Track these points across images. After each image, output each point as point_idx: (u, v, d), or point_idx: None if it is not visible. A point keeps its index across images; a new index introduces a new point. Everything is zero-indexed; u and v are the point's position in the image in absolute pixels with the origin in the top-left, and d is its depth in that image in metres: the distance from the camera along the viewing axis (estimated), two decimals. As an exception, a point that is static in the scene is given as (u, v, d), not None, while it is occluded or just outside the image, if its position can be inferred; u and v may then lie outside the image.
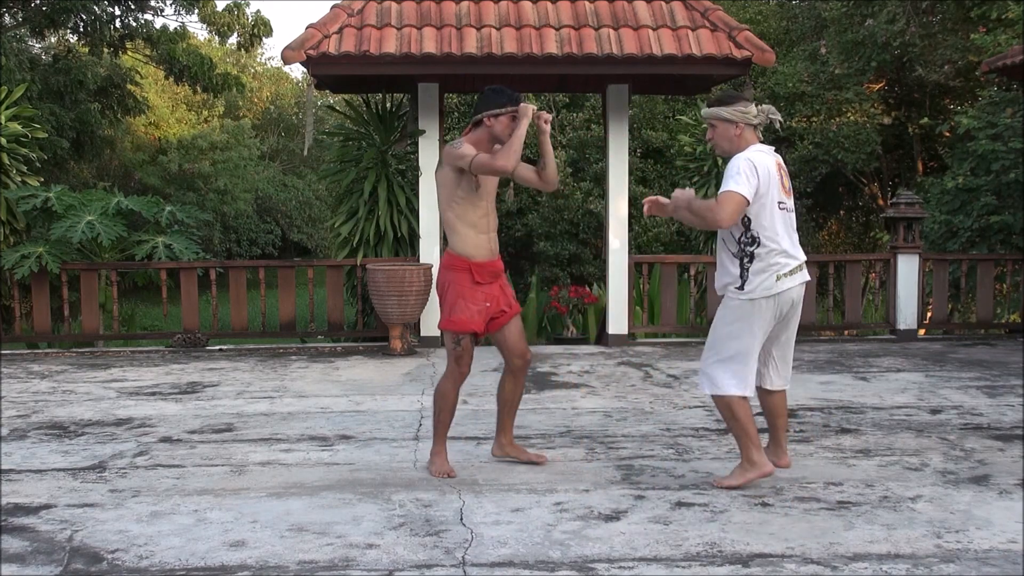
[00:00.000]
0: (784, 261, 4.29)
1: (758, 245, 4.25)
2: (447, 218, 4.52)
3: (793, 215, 4.40)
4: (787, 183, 4.37)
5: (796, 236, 4.40)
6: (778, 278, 4.28)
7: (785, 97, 15.03)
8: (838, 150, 14.38)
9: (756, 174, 4.19)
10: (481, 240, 4.50)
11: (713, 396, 4.38)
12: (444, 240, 8.37)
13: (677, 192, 4.44)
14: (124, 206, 8.97)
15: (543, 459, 4.80)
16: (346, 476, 4.60)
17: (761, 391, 4.61)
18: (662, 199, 4.49)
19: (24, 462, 4.90)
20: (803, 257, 4.40)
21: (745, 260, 4.28)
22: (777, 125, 4.53)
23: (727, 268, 4.37)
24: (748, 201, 4.17)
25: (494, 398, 6.38)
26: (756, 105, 4.38)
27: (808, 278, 4.43)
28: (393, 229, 8.80)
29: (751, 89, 8.29)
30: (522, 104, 4.46)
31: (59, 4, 14.56)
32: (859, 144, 14.34)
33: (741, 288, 4.29)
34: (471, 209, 4.48)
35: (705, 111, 4.44)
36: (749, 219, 4.24)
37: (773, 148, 4.44)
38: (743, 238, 4.27)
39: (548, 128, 4.52)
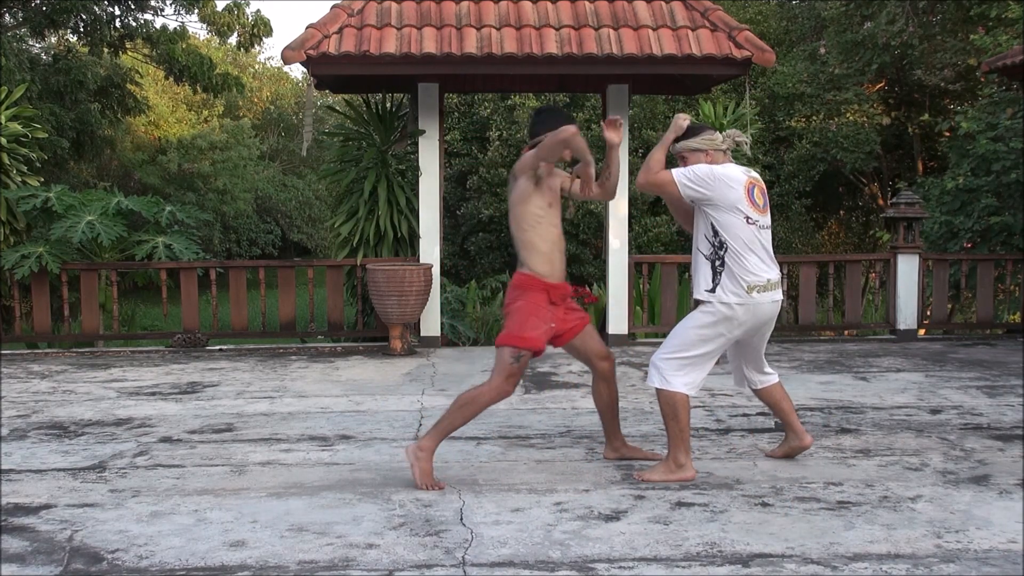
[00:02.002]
0: (755, 272, 4.38)
1: (727, 251, 4.38)
2: (527, 239, 4.43)
3: (766, 232, 4.47)
4: (760, 201, 4.46)
5: (769, 253, 4.48)
6: (749, 288, 4.37)
7: (785, 97, 15.04)
8: (837, 149, 14.38)
9: (714, 183, 4.35)
10: (555, 260, 4.49)
11: (659, 390, 4.45)
12: (444, 240, 8.40)
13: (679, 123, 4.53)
14: (124, 206, 8.97)
15: (657, 456, 4.80)
16: (346, 476, 4.60)
17: (754, 391, 4.79)
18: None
19: (24, 462, 4.91)
20: (776, 275, 4.49)
21: (717, 264, 4.40)
22: (745, 148, 4.67)
23: (701, 271, 4.47)
24: (676, 190, 4.39)
25: (494, 398, 6.42)
26: (721, 132, 4.58)
27: (782, 297, 4.53)
28: (393, 229, 8.80)
29: (751, 89, 8.27)
30: (609, 124, 4.46)
31: (59, 4, 14.55)
32: (858, 144, 14.35)
33: (712, 291, 4.40)
34: (549, 229, 4.46)
35: (674, 148, 4.59)
36: (716, 227, 4.38)
37: (749, 168, 4.59)
38: (714, 242, 4.41)
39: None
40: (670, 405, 4.42)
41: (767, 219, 4.49)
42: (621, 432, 4.88)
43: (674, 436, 4.46)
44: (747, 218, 4.37)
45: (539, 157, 4.35)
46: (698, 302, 4.51)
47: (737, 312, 4.37)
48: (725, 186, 4.36)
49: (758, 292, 4.38)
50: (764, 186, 4.57)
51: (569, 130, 4.27)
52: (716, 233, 4.38)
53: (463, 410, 4.40)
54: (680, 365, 4.41)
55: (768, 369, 4.76)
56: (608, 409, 4.77)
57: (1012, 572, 3.40)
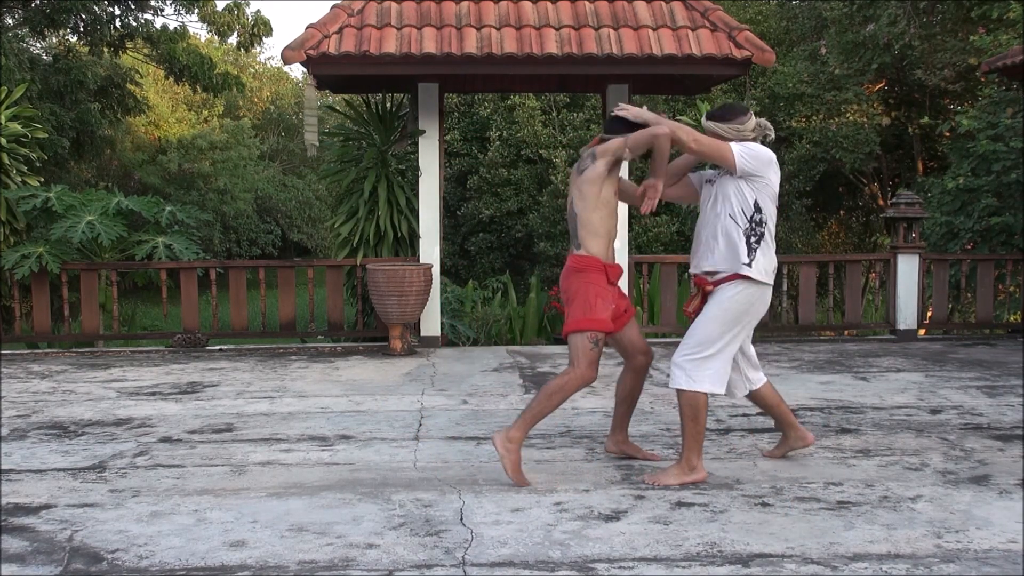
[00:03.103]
0: (774, 258, 4.46)
1: (765, 227, 4.41)
2: (591, 219, 4.48)
3: None
4: None
5: None
6: (774, 269, 4.46)
7: (785, 97, 15.03)
8: (837, 149, 14.38)
9: (770, 167, 4.40)
10: (611, 246, 4.57)
11: (682, 391, 4.41)
12: (444, 240, 8.43)
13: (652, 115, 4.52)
14: (124, 206, 8.97)
15: (657, 457, 4.82)
16: (346, 476, 4.60)
17: (750, 395, 4.76)
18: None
19: (24, 462, 4.91)
20: None
21: (752, 239, 4.39)
22: (771, 137, 4.68)
23: (733, 244, 4.39)
24: (732, 161, 4.33)
25: (494, 398, 6.43)
26: (754, 118, 4.54)
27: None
28: (393, 229, 8.80)
29: (751, 89, 8.27)
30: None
31: (59, 4, 14.57)
32: (858, 144, 14.34)
33: (748, 265, 4.38)
34: (609, 215, 4.53)
35: (704, 123, 4.60)
36: (760, 204, 4.40)
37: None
38: (755, 217, 4.40)
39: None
40: (691, 406, 4.39)
41: None
42: (628, 428, 4.90)
43: (691, 438, 4.43)
44: (777, 207, 4.47)
45: (627, 145, 4.42)
46: (696, 280, 4.51)
47: (756, 296, 4.39)
48: (776, 173, 4.43)
49: (774, 274, 4.47)
50: None
51: (662, 130, 4.34)
52: (760, 210, 4.39)
53: (552, 398, 4.44)
54: (705, 362, 4.38)
55: (757, 363, 4.75)
56: (626, 400, 4.80)
57: (1012, 572, 3.40)
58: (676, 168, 4.69)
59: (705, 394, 4.39)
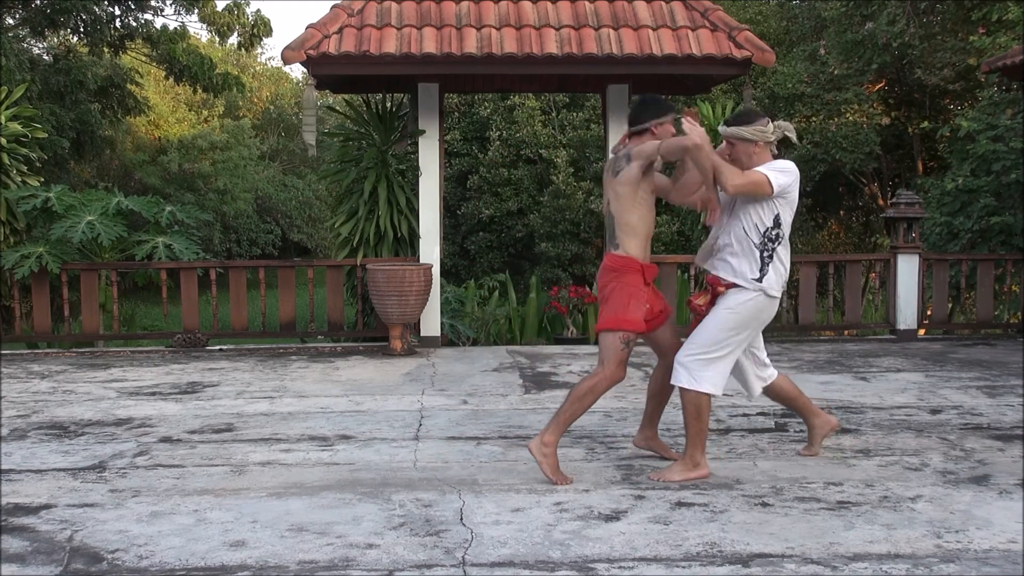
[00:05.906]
0: (787, 267, 4.48)
1: (780, 243, 4.42)
2: (629, 220, 4.48)
3: None
4: None
5: None
6: (786, 281, 4.49)
7: (785, 97, 15.03)
8: (836, 150, 14.38)
9: (796, 178, 4.42)
10: (648, 245, 4.57)
11: (684, 390, 4.44)
12: (444, 240, 8.45)
13: (698, 129, 4.37)
14: (124, 206, 8.97)
15: (677, 457, 4.80)
16: (346, 476, 4.60)
17: (766, 391, 4.77)
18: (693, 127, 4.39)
19: (24, 462, 4.90)
20: None
21: (766, 254, 4.41)
22: (794, 139, 4.66)
23: (744, 258, 4.42)
24: (771, 193, 4.34)
25: (494, 398, 6.44)
26: (772, 122, 4.54)
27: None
28: (393, 229, 8.80)
29: (751, 89, 8.28)
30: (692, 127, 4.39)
31: (59, 4, 14.57)
32: (858, 144, 14.34)
33: (759, 280, 4.39)
34: (648, 213, 4.53)
35: (724, 129, 4.55)
36: (781, 218, 4.42)
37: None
38: (770, 232, 4.41)
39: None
40: (695, 405, 4.42)
41: None
42: (658, 426, 4.90)
43: (694, 435, 4.46)
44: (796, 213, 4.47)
45: (661, 151, 4.40)
46: (708, 279, 4.51)
47: (764, 305, 4.41)
48: (798, 181, 4.43)
49: (785, 283, 4.48)
50: None
51: (692, 140, 4.27)
52: (778, 224, 4.39)
53: (583, 400, 4.46)
54: (707, 363, 4.41)
55: (767, 360, 4.75)
56: (657, 396, 4.81)
57: (1012, 572, 3.40)
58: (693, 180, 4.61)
59: (707, 394, 4.41)
